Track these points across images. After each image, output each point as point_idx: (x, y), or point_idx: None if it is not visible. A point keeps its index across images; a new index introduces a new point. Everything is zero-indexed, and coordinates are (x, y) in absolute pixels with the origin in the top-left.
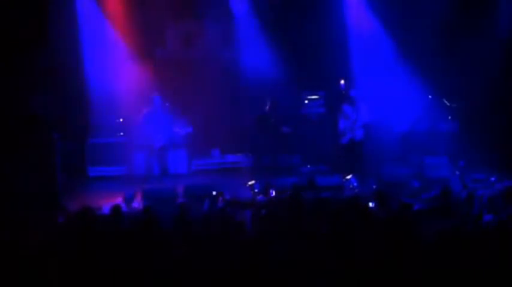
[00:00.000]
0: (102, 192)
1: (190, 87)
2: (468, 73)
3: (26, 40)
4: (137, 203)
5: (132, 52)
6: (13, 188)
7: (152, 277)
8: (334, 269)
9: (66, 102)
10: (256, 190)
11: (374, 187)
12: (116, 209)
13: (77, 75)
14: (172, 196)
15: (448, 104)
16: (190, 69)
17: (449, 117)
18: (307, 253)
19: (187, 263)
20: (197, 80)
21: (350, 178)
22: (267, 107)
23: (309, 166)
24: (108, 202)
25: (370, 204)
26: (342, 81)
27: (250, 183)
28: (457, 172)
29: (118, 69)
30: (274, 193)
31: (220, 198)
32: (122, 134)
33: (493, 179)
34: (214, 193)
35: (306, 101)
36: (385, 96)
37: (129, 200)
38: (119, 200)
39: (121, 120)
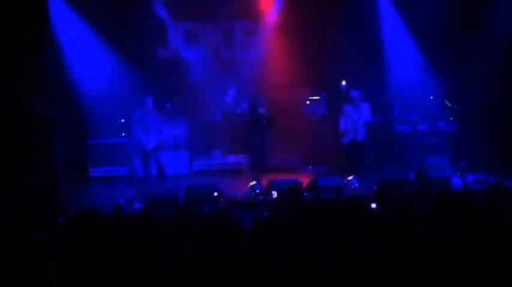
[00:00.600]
0: (103, 193)
1: (190, 87)
2: (469, 74)
3: (26, 40)
4: (138, 204)
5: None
6: (13, 189)
7: (153, 278)
8: (334, 269)
9: (67, 103)
10: (257, 191)
11: (375, 187)
12: (117, 210)
13: (76, 75)
14: (173, 197)
15: (450, 104)
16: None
17: (451, 118)
18: (307, 253)
19: (187, 263)
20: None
21: (351, 179)
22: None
23: (310, 167)
24: (109, 203)
25: (373, 205)
26: (343, 82)
27: (251, 184)
28: (458, 173)
29: (117, 69)
30: (275, 194)
31: (221, 199)
32: (123, 135)
33: (493, 179)
34: (215, 193)
35: (308, 102)
36: (386, 96)
37: (130, 201)
38: (120, 201)
39: (122, 121)
